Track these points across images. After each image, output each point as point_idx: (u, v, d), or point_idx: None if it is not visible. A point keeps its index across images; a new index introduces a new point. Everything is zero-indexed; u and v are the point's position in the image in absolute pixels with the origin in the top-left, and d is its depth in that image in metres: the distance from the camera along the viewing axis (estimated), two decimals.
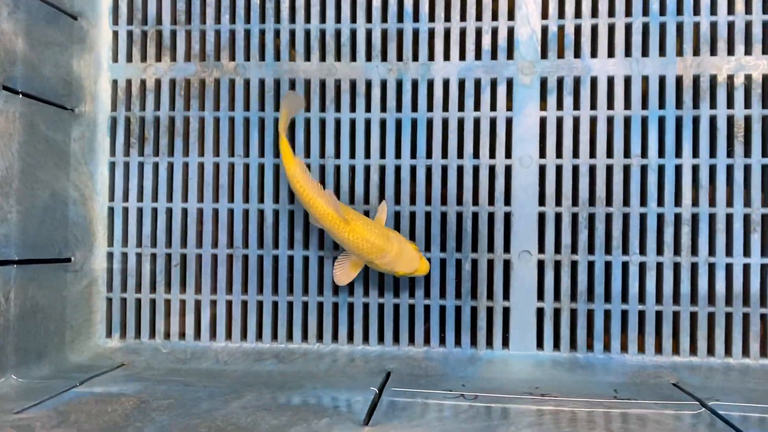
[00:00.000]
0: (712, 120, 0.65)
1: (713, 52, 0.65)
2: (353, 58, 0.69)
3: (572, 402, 0.54)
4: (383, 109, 0.69)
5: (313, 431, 0.47)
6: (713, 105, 0.65)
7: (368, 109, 0.69)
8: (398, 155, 0.69)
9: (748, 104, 0.65)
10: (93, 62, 0.71)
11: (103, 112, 0.72)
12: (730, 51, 0.65)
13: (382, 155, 0.69)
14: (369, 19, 0.70)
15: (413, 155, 0.69)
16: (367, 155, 0.69)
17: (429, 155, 0.69)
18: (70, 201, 0.69)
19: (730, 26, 0.65)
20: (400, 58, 0.69)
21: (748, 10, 0.65)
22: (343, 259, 0.64)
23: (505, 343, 0.67)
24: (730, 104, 0.65)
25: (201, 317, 0.70)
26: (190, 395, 0.56)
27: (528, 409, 0.52)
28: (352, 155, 0.69)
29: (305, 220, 0.69)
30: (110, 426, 0.49)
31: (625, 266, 0.66)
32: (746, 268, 0.64)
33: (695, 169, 0.65)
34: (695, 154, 0.65)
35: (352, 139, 0.69)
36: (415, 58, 0.69)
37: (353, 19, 0.70)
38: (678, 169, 0.65)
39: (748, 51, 0.65)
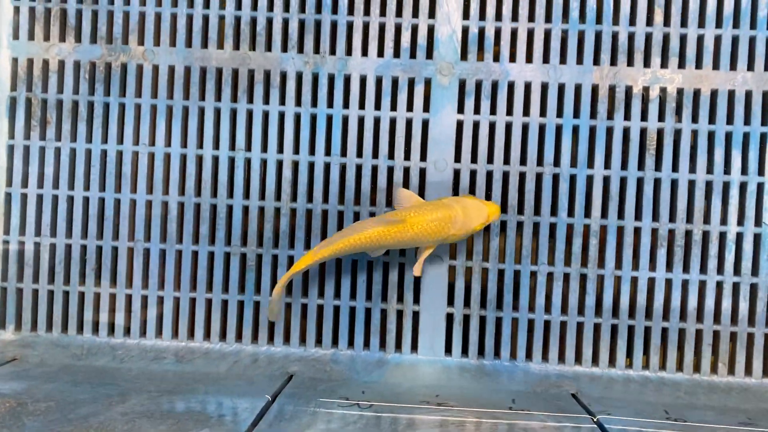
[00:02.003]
0: (626, 131, 0.65)
1: (630, 63, 0.65)
2: (268, 48, 0.67)
3: (466, 412, 0.54)
4: (298, 102, 0.67)
5: None
6: (627, 116, 0.65)
7: (282, 101, 0.67)
8: (312, 151, 0.67)
9: (661, 117, 0.65)
10: None
11: (1, 92, 0.68)
12: (647, 63, 0.65)
13: (296, 150, 0.67)
14: (286, 9, 0.67)
15: (327, 152, 0.67)
16: (280, 150, 0.67)
17: (344, 153, 0.67)
18: None
19: (648, 38, 0.65)
20: (317, 50, 0.67)
21: (667, 22, 0.65)
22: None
23: (414, 347, 0.67)
24: (644, 116, 0.65)
25: (99, 311, 0.67)
26: (73, 397, 0.54)
27: (420, 420, 0.51)
28: (264, 149, 0.67)
29: (212, 214, 0.67)
30: None
31: (533, 275, 0.66)
32: (651, 282, 0.65)
33: (606, 180, 0.65)
34: (607, 165, 0.65)
35: (264, 132, 0.67)
36: (333, 51, 0.67)
37: (270, 8, 0.67)
38: (589, 179, 0.65)
39: (664, 64, 0.65)
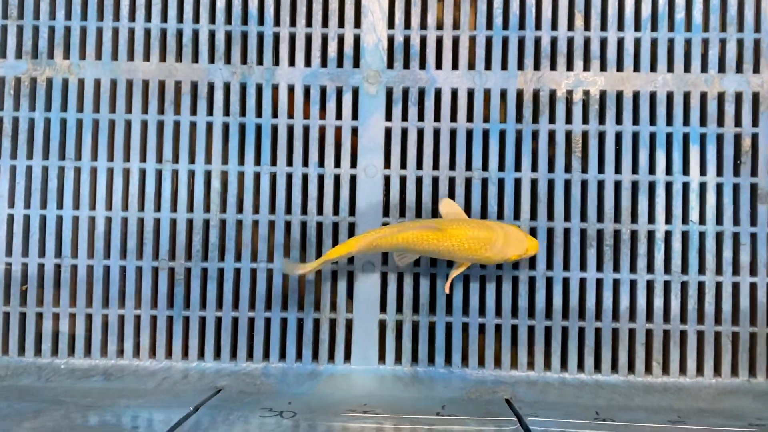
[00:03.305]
0: (551, 134, 0.66)
1: (553, 67, 0.66)
2: (195, 59, 0.67)
3: (390, 419, 0.53)
4: (226, 113, 0.66)
5: None
6: (552, 120, 0.66)
7: (210, 112, 0.66)
8: (241, 161, 0.66)
9: (585, 120, 0.66)
10: None
11: None
12: (570, 66, 0.66)
13: (224, 161, 0.66)
14: (212, 21, 0.67)
15: (257, 162, 0.66)
16: (208, 160, 0.66)
17: (273, 162, 0.66)
18: None
19: (570, 42, 0.66)
20: (244, 61, 0.67)
21: (587, 26, 0.66)
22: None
23: (348, 357, 0.66)
24: (568, 119, 0.66)
25: (26, 331, 0.65)
26: None
27: (340, 427, 0.50)
28: (192, 160, 0.66)
29: (139, 227, 0.66)
30: None
31: (466, 279, 0.65)
32: (582, 282, 0.65)
33: (534, 183, 0.66)
34: (534, 168, 0.66)
35: (192, 143, 0.66)
36: (260, 62, 0.67)
37: (196, 20, 0.67)
38: (518, 182, 0.65)
39: (586, 67, 0.66)
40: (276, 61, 0.67)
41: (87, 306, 0.65)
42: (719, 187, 0.65)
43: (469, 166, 0.66)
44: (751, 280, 0.64)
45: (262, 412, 0.54)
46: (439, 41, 0.67)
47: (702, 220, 0.65)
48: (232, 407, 0.56)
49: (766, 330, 0.64)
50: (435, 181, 0.66)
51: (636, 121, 0.66)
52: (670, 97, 0.65)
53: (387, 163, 0.66)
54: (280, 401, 0.58)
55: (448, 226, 0.59)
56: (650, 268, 0.65)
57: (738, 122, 0.65)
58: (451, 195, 0.66)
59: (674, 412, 0.59)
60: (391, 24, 0.67)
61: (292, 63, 0.67)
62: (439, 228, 0.58)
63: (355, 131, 0.66)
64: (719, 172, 0.65)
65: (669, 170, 0.65)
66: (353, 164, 0.66)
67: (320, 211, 0.66)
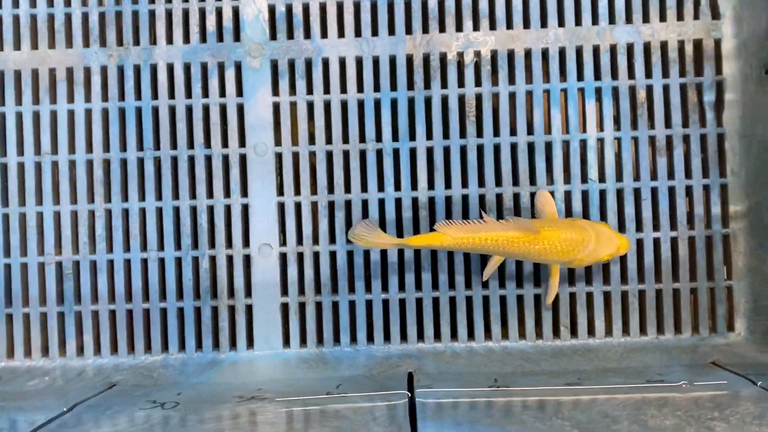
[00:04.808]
0: (444, 100, 0.64)
1: (442, 29, 0.64)
2: (69, 44, 0.63)
3: (277, 403, 0.51)
4: (105, 98, 0.63)
5: None
6: (444, 84, 0.64)
7: (88, 98, 0.63)
8: (124, 148, 0.64)
9: (478, 82, 0.64)
10: None
11: None
12: (459, 27, 0.64)
13: (106, 149, 0.63)
14: (85, 3, 0.64)
15: (140, 147, 0.63)
16: (89, 149, 0.63)
17: (157, 146, 0.64)
18: None
19: (458, 1, 0.64)
20: (120, 42, 0.64)
21: None
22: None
23: (251, 343, 0.63)
24: (461, 83, 0.64)
25: None
26: None
27: (216, 415, 0.48)
28: (72, 150, 0.63)
29: (22, 223, 0.63)
30: None
31: (366, 254, 0.63)
32: None
33: (429, 151, 0.64)
34: (429, 136, 0.64)
35: (71, 132, 0.63)
36: (137, 42, 0.64)
37: (67, 3, 0.63)
38: (413, 152, 0.63)
39: (476, 27, 0.64)
40: (153, 40, 0.64)
41: None
42: (618, 143, 0.63)
43: (363, 138, 0.64)
44: (655, 236, 0.63)
45: (144, 405, 0.52)
46: (323, 8, 0.64)
47: (602, 178, 0.63)
48: (116, 402, 0.53)
49: (672, 285, 0.63)
50: (329, 155, 0.64)
51: (529, 79, 0.64)
52: (562, 53, 0.64)
53: (278, 141, 0.64)
54: (170, 392, 0.56)
55: (542, 227, 0.56)
56: None
57: (631, 74, 0.63)
58: (346, 168, 0.64)
59: (576, 374, 0.58)
60: None
61: (170, 41, 0.64)
62: (534, 230, 0.55)
63: (241, 109, 0.64)
64: (617, 126, 0.64)
65: (565, 129, 0.63)
66: (242, 144, 0.64)
67: (210, 195, 0.64)
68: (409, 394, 0.51)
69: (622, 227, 0.63)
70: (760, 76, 0.62)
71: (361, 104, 0.64)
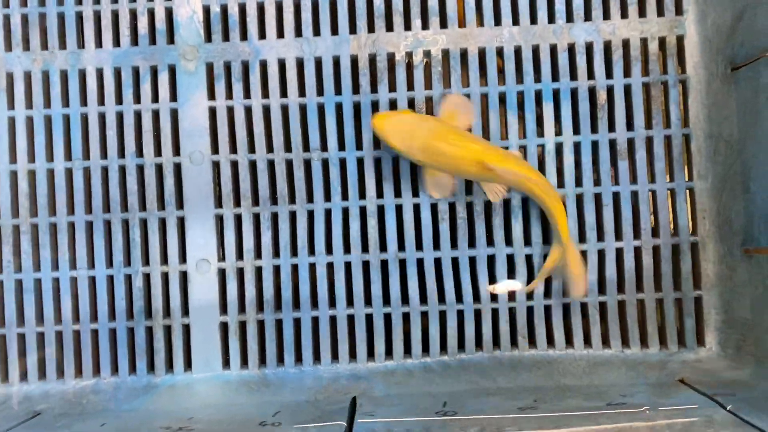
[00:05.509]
0: (392, 104, 0.60)
1: (389, 27, 0.60)
2: None
3: None
4: (29, 105, 0.59)
5: None
6: (393, 87, 0.60)
7: (11, 106, 0.59)
8: (50, 158, 0.59)
9: (428, 84, 0.60)
10: None
11: None
12: (407, 26, 0.60)
13: (31, 159, 0.59)
14: (6, 4, 0.60)
15: (68, 156, 0.59)
16: (13, 159, 0.59)
17: (86, 156, 0.59)
18: None
19: None
20: (45, 46, 0.59)
21: None
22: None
23: (189, 365, 0.59)
24: (410, 85, 0.60)
25: None
26: None
27: None
28: None
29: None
30: None
31: (312, 268, 0.59)
32: (438, 262, 0.59)
33: (378, 160, 0.60)
34: (377, 144, 0.60)
35: None
36: (63, 46, 0.60)
37: None
38: (360, 161, 0.59)
39: (425, 25, 0.60)
40: (81, 44, 0.60)
41: None
42: (576, 147, 0.60)
43: (306, 147, 0.60)
44: (617, 245, 0.59)
45: None
46: (261, 8, 0.60)
47: (560, 184, 0.59)
48: (44, 428, 0.49)
49: (636, 296, 0.59)
50: (271, 164, 0.60)
51: (484, 81, 0.60)
52: (518, 52, 0.60)
53: (215, 149, 0.60)
54: (94, 423, 0.52)
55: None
56: (508, 241, 0.59)
57: (591, 75, 0.60)
58: (290, 179, 0.60)
59: (534, 393, 0.54)
60: None
61: (99, 44, 0.60)
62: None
63: (175, 114, 0.60)
64: (575, 130, 0.60)
65: (523, 133, 0.60)
66: (176, 152, 0.60)
67: (142, 207, 0.59)
68: (346, 425, 0.47)
69: (582, 237, 0.59)
70: (725, 73, 0.58)
71: (303, 109, 0.60)
